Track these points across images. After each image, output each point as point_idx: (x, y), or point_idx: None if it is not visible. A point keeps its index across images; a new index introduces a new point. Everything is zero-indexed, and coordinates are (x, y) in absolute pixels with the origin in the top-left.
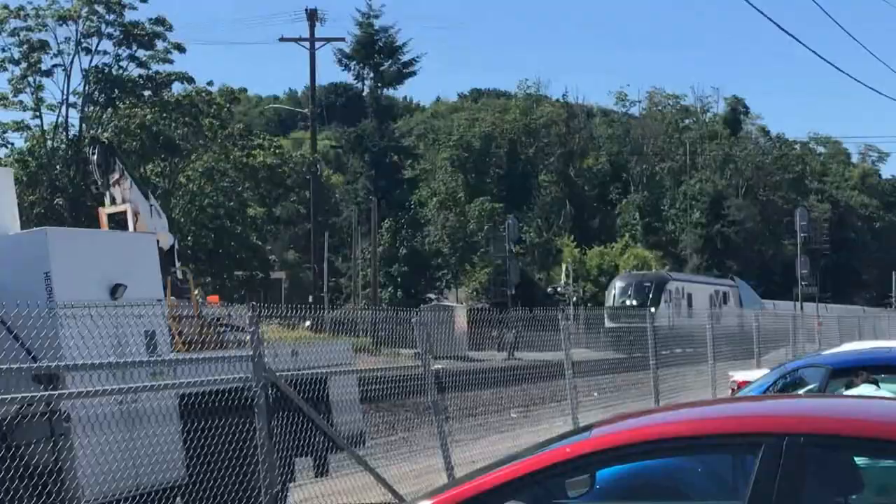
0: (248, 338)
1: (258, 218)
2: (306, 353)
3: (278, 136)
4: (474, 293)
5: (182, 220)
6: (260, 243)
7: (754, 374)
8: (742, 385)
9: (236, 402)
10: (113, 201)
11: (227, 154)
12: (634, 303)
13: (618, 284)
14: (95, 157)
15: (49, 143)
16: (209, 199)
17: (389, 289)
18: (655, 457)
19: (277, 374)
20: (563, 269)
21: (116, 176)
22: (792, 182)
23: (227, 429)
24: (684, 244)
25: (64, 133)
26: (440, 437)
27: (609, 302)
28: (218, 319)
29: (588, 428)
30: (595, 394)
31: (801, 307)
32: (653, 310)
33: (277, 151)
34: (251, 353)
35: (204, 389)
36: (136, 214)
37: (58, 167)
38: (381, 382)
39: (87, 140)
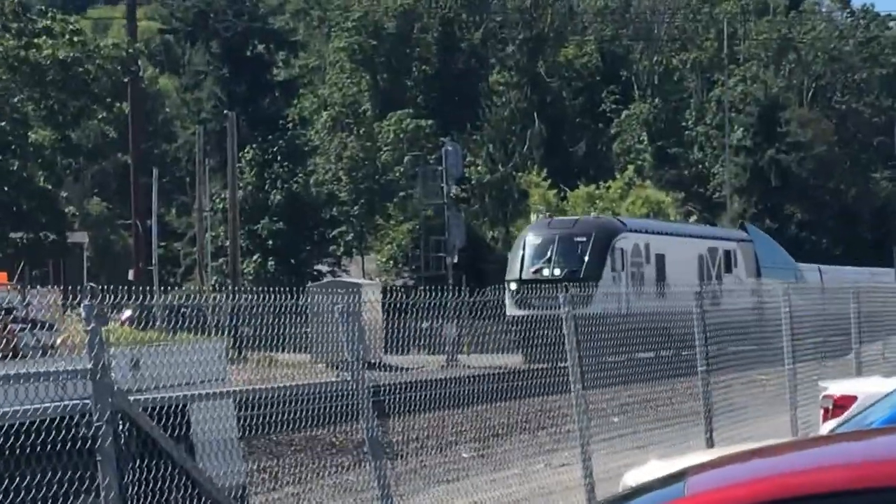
0: (83, 340)
1: (46, 146)
2: (154, 363)
3: (73, 14)
4: (390, 263)
5: None
6: (49, 187)
7: (860, 387)
8: (841, 403)
9: (59, 444)
10: None
11: None
12: (557, 272)
13: (529, 240)
14: None
15: None
16: None
17: (256, 257)
18: None
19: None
20: (532, 221)
21: None
22: (886, 80)
23: (41, 490)
24: (719, 180)
25: None
26: (381, 488)
27: (513, 271)
28: (7, 311)
29: (678, 477)
30: (615, 419)
31: None
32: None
33: (75, 39)
34: (90, 364)
35: None
36: None
37: None
38: (270, 406)
39: None
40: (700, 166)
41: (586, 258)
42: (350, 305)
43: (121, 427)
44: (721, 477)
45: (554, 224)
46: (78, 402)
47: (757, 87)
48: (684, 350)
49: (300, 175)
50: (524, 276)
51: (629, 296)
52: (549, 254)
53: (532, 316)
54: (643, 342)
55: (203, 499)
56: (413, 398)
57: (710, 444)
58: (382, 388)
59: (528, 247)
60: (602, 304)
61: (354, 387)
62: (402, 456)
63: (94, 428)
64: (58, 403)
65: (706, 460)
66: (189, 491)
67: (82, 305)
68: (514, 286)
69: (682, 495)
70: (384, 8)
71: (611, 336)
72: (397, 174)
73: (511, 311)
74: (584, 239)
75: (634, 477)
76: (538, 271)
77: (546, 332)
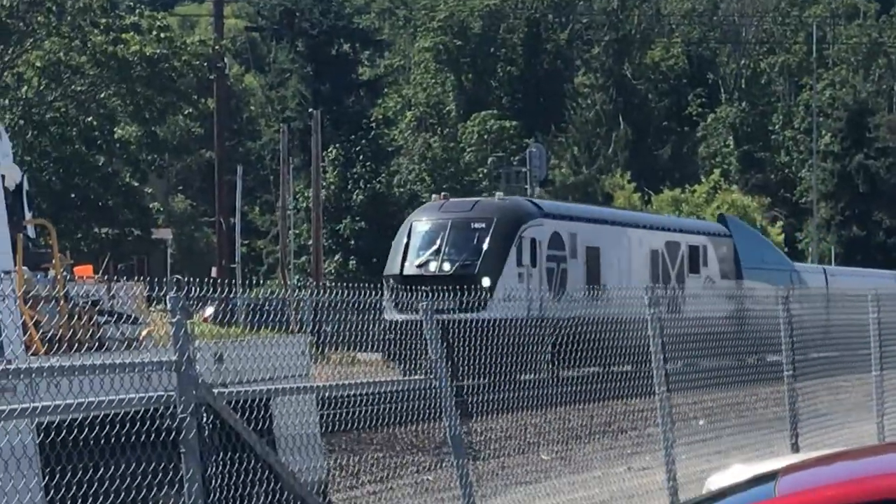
0: (168, 333)
1: (132, 142)
2: (238, 358)
3: (161, 11)
4: None
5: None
6: (136, 183)
7: None
8: None
9: (143, 435)
10: None
11: (83, 39)
12: (446, 267)
13: (416, 227)
14: None
15: None
16: (54, 112)
17: (338, 257)
18: None
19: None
20: None
21: None
22: None
23: (125, 481)
24: (806, 185)
25: None
26: (462, 487)
27: (393, 265)
28: (93, 303)
29: (769, 478)
30: (701, 422)
31: None
32: (486, 282)
33: (163, 36)
34: (174, 357)
35: (84, 416)
36: None
37: None
38: (354, 405)
39: None
40: (787, 171)
41: (484, 250)
42: (433, 304)
43: (204, 420)
44: (811, 478)
45: (448, 207)
46: (162, 394)
47: (846, 91)
48: (636, 366)
49: (383, 175)
50: (406, 272)
51: (544, 299)
52: (438, 244)
53: (416, 322)
54: (560, 356)
55: (285, 493)
56: (494, 399)
57: (796, 449)
58: (465, 388)
59: (415, 235)
60: (502, 309)
61: (438, 385)
62: (482, 457)
63: (178, 420)
64: (142, 395)
65: (795, 462)
66: (271, 485)
67: (168, 297)
68: (393, 283)
69: (773, 496)
70: (470, 8)
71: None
72: (481, 175)
73: (389, 314)
74: (483, 225)
75: (718, 481)
76: (423, 265)
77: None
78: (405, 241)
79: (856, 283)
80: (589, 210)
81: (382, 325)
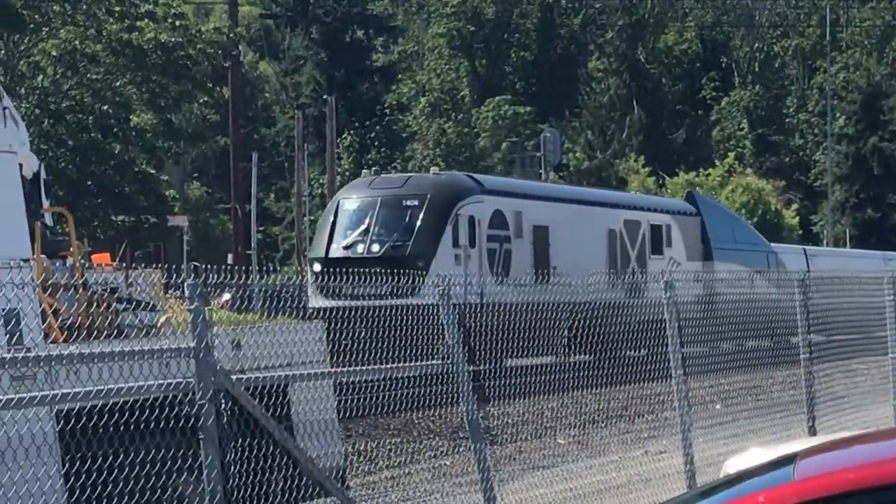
0: (186, 320)
1: (147, 130)
2: (255, 344)
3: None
4: None
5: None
6: (152, 171)
7: None
8: None
9: (162, 422)
10: None
11: (98, 27)
12: (375, 248)
13: (343, 205)
14: None
15: None
16: (70, 100)
17: None
18: None
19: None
20: None
21: None
22: None
23: (144, 468)
24: (820, 168)
25: None
26: (480, 472)
27: (318, 247)
28: (111, 290)
29: (787, 461)
30: (717, 405)
31: None
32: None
33: (177, 24)
34: (193, 344)
35: (103, 403)
36: None
37: None
38: (369, 390)
39: None
40: (801, 154)
41: (416, 229)
42: (446, 289)
43: (223, 406)
44: (830, 461)
45: (378, 183)
46: (181, 380)
47: (860, 74)
48: (595, 356)
49: (398, 161)
50: (332, 254)
51: (484, 282)
52: (367, 223)
53: (342, 308)
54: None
55: (304, 479)
56: (511, 384)
57: (813, 432)
58: (482, 373)
59: (342, 214)
60: (435, 295)
61: (454, 370)
62: (499, 441)
63: (196, 406)
64: (161, 382)
65: (814, 445)
66: (290, 471)
67: (186, 284)
68: (317, 267)
69: (791, 479)
70: None
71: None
72: (495, 160)
73: (314, 300)
74: (416, 203)
75: (735, 464)
76: (351, 247)
77: (362, 331)
78: (331, 220)
79: (839, 264)
80: (536, 186)
81: (306, 314)
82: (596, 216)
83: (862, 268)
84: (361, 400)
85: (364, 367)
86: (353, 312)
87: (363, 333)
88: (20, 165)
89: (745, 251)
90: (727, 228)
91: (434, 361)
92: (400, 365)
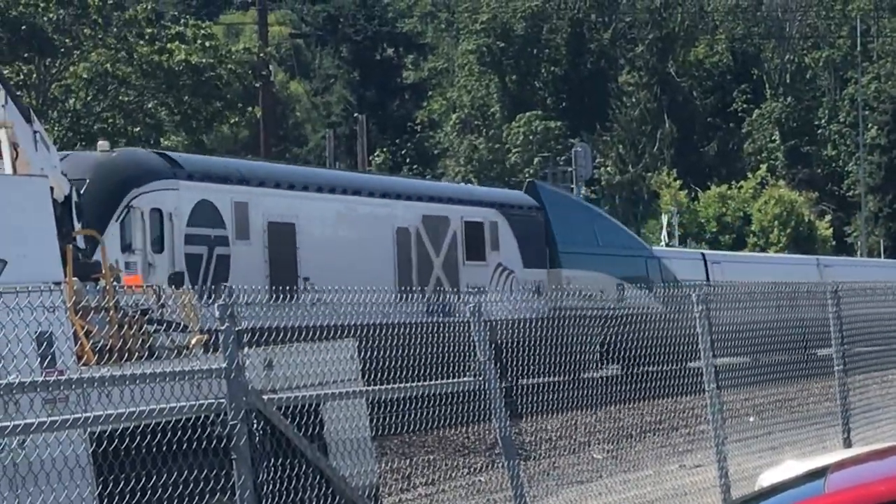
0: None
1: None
2: (287, 363)
3: (205, 20)
4: None
5: None
6: None
7: None
8: None
9: (194, 443)
10: None
11: (129, 49)
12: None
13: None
14: None
15: None
16: (101, 122)
17: None
18: None
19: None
20: (663, 222)
21: None
22: None
23: (178, 489)
24: (853, 179)
25: None
26: (514, 488)
27: None
28: (144, 312)
29: (818, 474)
30: (751, 418)
31: None
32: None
33: (208, 45)
34: (224, 364)
35: (131, 425)
36: (14, 146)
37: None
38: (400, 407)
39: None
40: (834, 165)
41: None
42: (480, 304)
43: (255, 426)
44: (862, 474)
45: (89, 159)
46: (213, 401)
47: (891, 84)
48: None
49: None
50: None
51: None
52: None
53: None
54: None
55: (337, 498)
56: (544, 399)
57: (848, 444)
58: (514, 388)
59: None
60: None
61: (487, 387)
62: (534, 457)
63: (228, 427)
64: (193, 403)
65: (846, 458)
66: (322, 490)
67: (216, 305)
68: None
69: (822, 492)
70: (512, 10)
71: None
72: (527, 176)
73: None
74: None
75: (770, 477)
76: None
77: None
78: None
79: (748, 271)
80: (275, 170)
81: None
82: (375, 211)
83: (776, 275)
84: (396, 417)
85: (397, 385)
86: None
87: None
88: (51, 189)
89: (611, 256)
90: (583, 228)
91: (466, 378)
92: (433, 382)
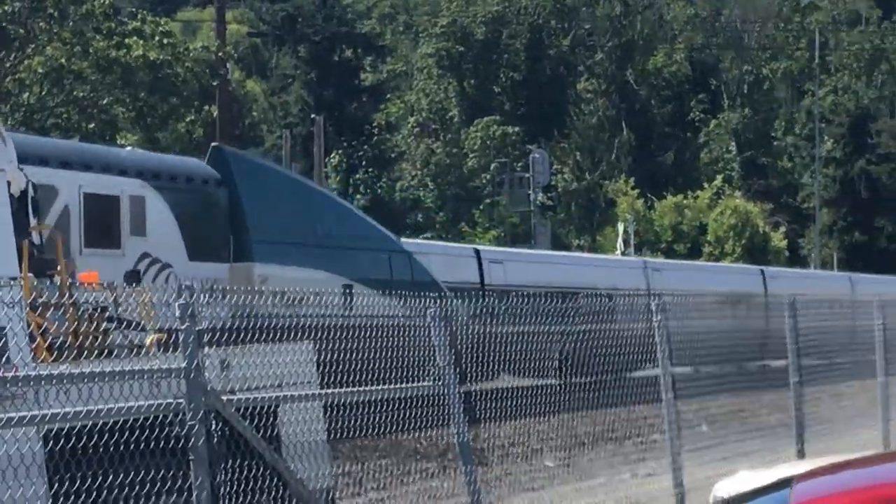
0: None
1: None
2: (244, 364)
3: (163, 16)
4: None
5: None
6: None
7: None
8: None
9: (150, 443)
10: None
11: (85, 44)
12: None
13: None
14: None
15: None
16: (55, 117)
17: None
18: None
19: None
20: (619, 230)
21: None
22: None
23: (134, 489)
24: (808, 191)
25: None
26: (470, 494)
27: None
28: (99, 310)
29: (783, 485)
30: (704, 427)
31: None
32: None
33: (165, 42)
34: (184, 364)
35: (89, 423)
36: None
37: None
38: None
39: None
40: (789, 177)
41: None
42: (441, 310)
43: (213, 427)
44: (826, 485)
45: None
46: (171, 401)
47: (848, 97)
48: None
49: (385, 180)
50: None
51: None
52: None
53: None
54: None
55: (294, 501)
56: (499, 406)
57: (802, 455)
58: (472, 394)
59: None
60: None
61: (445, 392)
62: (486, 463)
63: (187, 427)
64: (151, 402)
65: (806, 469)
66: (280, 492)
67: (176, 304)
68: None
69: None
70: (472, 14)
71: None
72: (484, 181)
73: None
74: None
75: (725, 488)
76: None
77: None
78: None
79: (527, 274)
80: None
81: None
82: None
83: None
84: (349, 422)
85: (354, 389)
86: None
87: None
88: (8, 183)
89: (336, 249)
90: (295, 211)
91: (425, 383)
92: (390, 387)
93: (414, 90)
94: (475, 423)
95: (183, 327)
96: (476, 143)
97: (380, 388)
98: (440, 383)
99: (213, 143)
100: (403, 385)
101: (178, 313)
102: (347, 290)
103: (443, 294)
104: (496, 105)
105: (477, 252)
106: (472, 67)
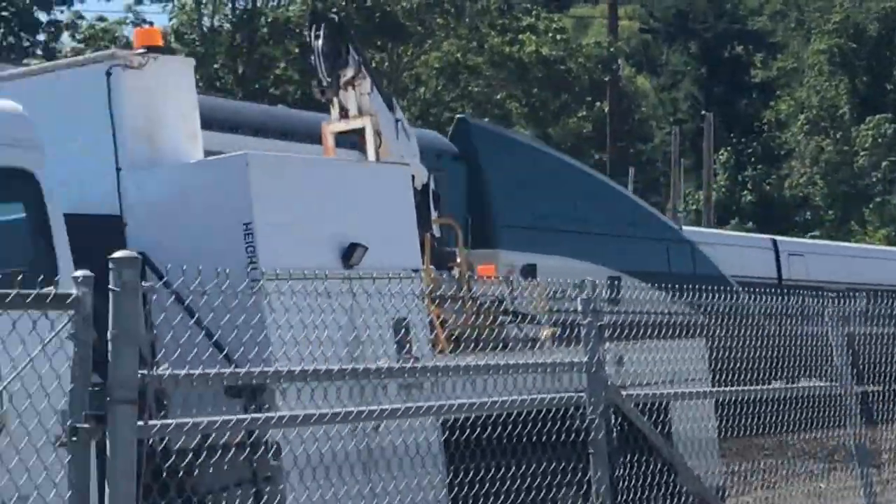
0: (581, 335)
1: None
2: (638, 360)
3: (555, 12)
4: None
5: None
6: None
7: None
8: None
9: (542, 436)
10: (343, 113)
11: (480, 40)
12: None
13: None
14: (321, 42)
15: (206, 20)
16: (450, 111)
17: None
18: None
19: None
20: None
21: (350, 73)
22: None
23: (526, 481)
24: None
25: (229, 4)
26: (867, 496)
27: None
28: (496, 303)
29: None
30: None
31: None
32: None
33: (558, 38)
34: (585, 358)
35: (487, 414)
36: (377, 134)
37: (219, 59)
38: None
39: (307, 17)
40: None
41: None
42: (840, 310)
43: (613, 421)
44: None
45: None
46: (572, 394)
47: None
48: None
49: (773, 177)
50: None
51: None
52: None
53: None
54: None
55: (690, 497)
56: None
57: None
58: (870, 395)
59: None
60: None
61: (842, 393)
62: (877, 465)
63: (587, 421)
64: (553, 395)
65: None
66: (675, 488)
67: (579, 300)
68: None
69: None
70: (866, 10)
71: None
72: (874, 179)
73: None
74: None
75: None
76: None
77: None
78: None
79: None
80: None
81: None
82: None
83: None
84: (740, 419)
85: (748, 388)
86: None
87: None
88: (412, 177)
89: (601, 236)
90: (550, 192)
91: (820, 383)
92: (786, 386)
93: (804, 87)
94: (871, 424)
95: (585, 322)
96: (867, 140)
97: (775, 387)
98: (836, 384)
99: (457, 116)
100: (800, 385)
101: (580, 308)
102: (614, 283)
103: (732, 289)
104: (889, 102)
105: (774, 243)
106: (865, 64)
